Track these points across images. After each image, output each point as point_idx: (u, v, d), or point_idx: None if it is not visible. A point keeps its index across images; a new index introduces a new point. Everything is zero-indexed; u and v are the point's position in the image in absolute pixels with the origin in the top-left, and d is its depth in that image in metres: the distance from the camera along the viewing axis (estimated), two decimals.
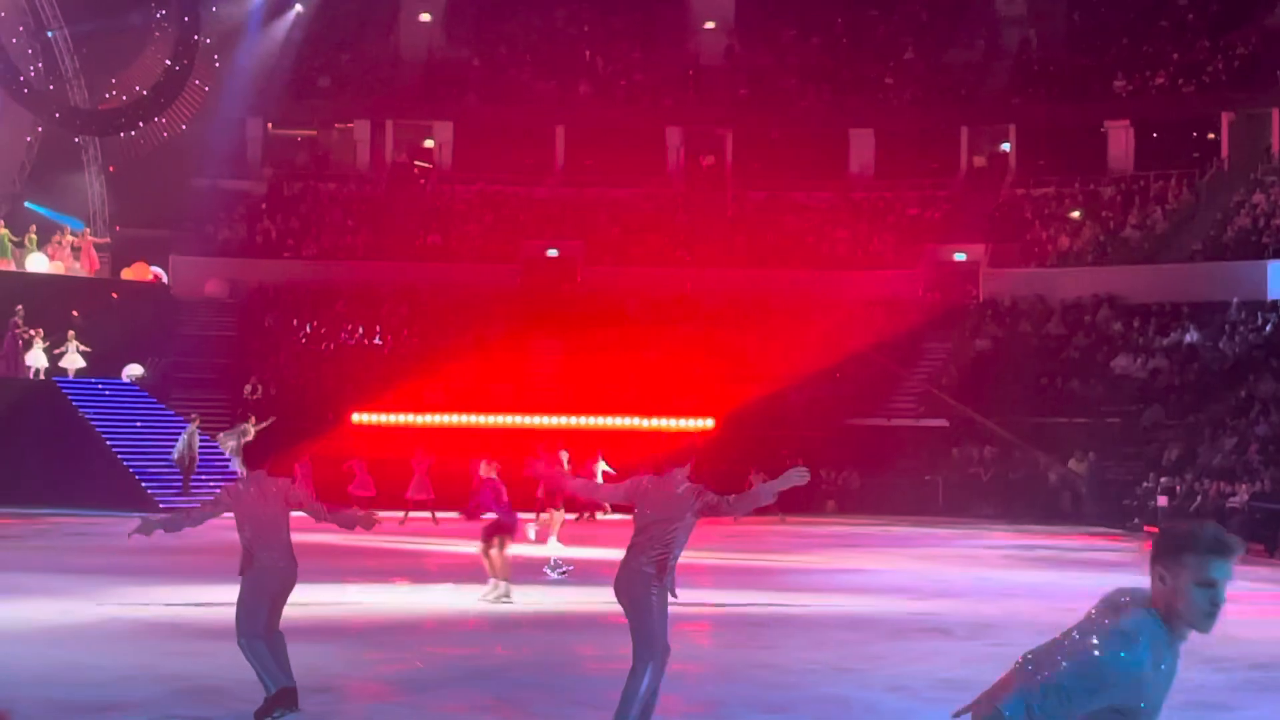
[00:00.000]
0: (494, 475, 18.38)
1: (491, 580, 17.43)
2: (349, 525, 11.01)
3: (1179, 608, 4.20)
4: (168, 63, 42.62)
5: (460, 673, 12.78)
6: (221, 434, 34.72)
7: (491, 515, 18.00)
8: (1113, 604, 4.33)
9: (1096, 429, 36.79)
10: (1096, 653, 4.16)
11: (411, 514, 31.19)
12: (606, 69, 50.18)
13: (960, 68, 49.19)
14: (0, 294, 36.66)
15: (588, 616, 16.34)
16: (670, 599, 9.29)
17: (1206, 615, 4.20)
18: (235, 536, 10.43)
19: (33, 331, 36.18)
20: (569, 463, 26.61)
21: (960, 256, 45.38)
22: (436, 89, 49.53)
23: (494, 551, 17.43)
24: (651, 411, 37.22)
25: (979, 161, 48.93)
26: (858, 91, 48.49)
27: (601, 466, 30.85)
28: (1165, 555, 4.24)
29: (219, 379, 40.23)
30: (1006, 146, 48.81)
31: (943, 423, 38.66)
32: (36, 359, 36.03)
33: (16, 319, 36.17)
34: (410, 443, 33.58)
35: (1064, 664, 4.18)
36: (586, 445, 33.98)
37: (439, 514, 30.93)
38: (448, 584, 19.77)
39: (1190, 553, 4.19)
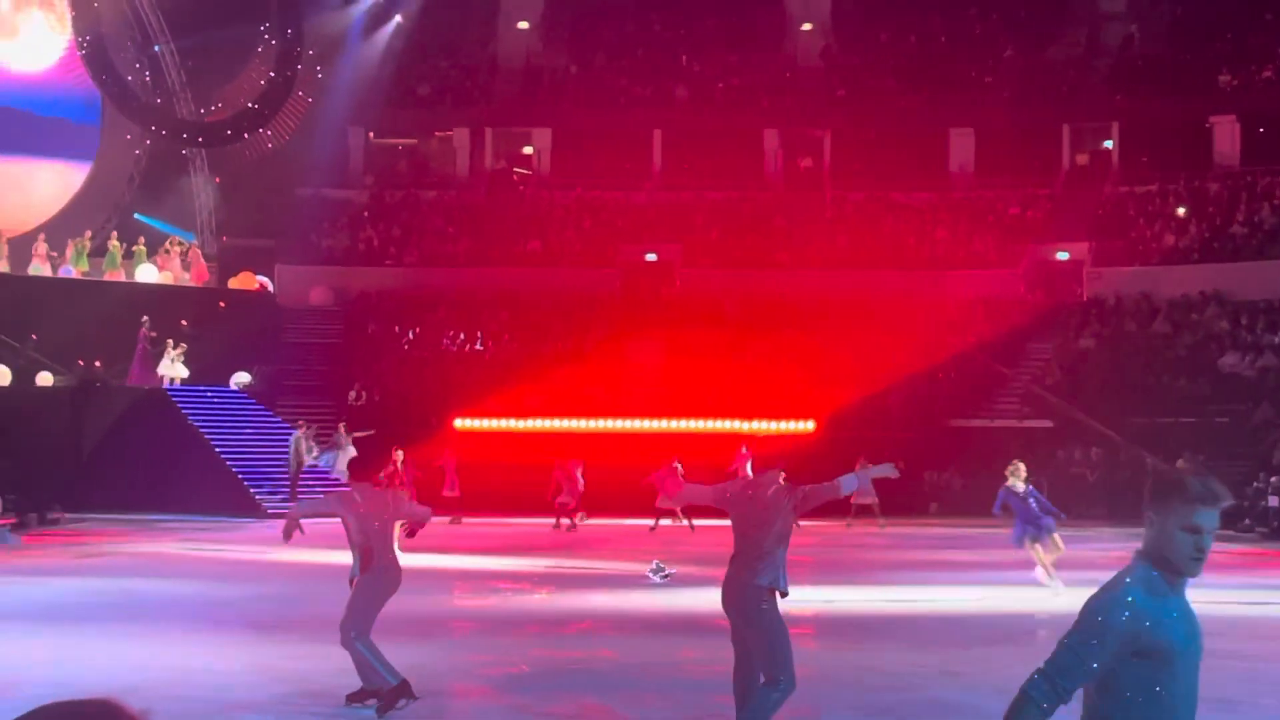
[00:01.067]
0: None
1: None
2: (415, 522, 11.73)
3: (1166, 552, 4.39)
4: (271, 74, 43.32)
5: (565, 675, 12.88)
6: (310, 440, 34.96)
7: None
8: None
9: (1204, 428, 36.20)
10: (1094, 604, 4.33)
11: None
12: (703, 73, 50.20)
13: (1061, 65, 48.64)
14: (111, 304, 37.40)
15: (690, 619, 16.39)
16: (779, 597, 9.28)
17: (1192, 559, 4.40)
18: (322, 541, 10.73)
19: (168, 341, 36.68)
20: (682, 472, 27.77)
21: (1063, 255, 44.87)
22: (534, 96, 49.86)
23: None
24: (751, 414, 37.16)
25: (1081, 159, 48.34)
26: (956, 91, 48.10)
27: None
28: (1154, 501, 4.44)
29: (324, 386, 40.76)
30: (1109, 144, 48.18)
31: (1047, 423, 38.25)
32: (171, 369, 36.60)
33: (145, 328, 36.68)
34: (548, 450, 34.04)
35: (1073, 625, 4.35)
36: (677, 450, 34.14)
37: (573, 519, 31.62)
38: (549, 587, 19.92)
39: (1178, 499, 4.40)
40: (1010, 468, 20.14)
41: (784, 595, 9.31)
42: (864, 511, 31.80)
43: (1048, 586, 19.00)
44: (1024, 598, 18.74)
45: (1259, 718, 11.20)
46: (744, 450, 30.18)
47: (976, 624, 16.17)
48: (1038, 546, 19.58)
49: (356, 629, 10.71)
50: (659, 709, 11.37)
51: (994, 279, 43.57)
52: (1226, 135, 46.05)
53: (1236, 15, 46.86)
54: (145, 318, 36.76)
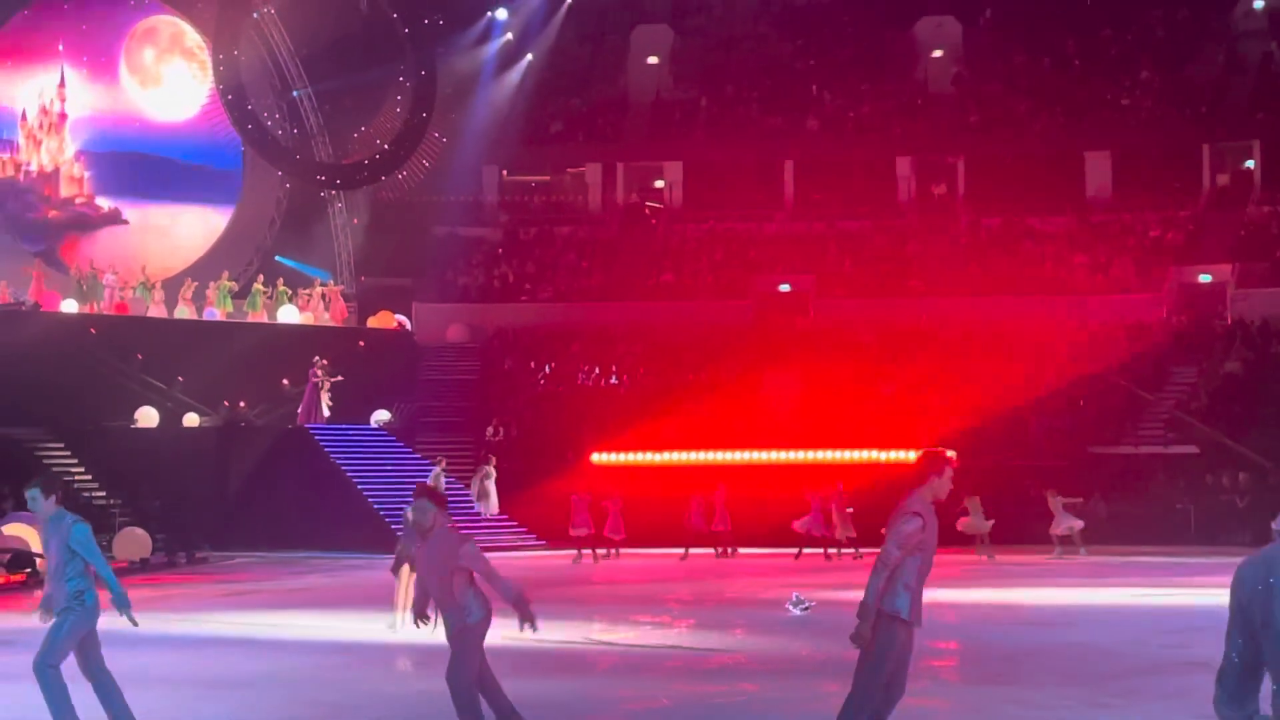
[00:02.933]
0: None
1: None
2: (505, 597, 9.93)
3: None
4: (406, 116, 44.07)
5: (706, 710, 12.86)
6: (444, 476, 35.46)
7: None
8: None
9: None
10: (1237, 574, 4.33)
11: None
12: (833, 102, 50.09)
13: (1200, 83, 47.77)
14: (253, 345, 38.15)
15: (831, 654, 16.29)
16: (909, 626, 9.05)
17: None
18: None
19: (331, 380, 37.26)
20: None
21: (1205, 278, 43.98)
22: (665, 129, 50.11)
23: None
24: (889, 444, 36.86)
25: (1222, 179, 47.39)
26: (1092, 113, 47.45)
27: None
28: None
29: (462, 422, 41.18)
30: (1251, 164, 47.19)
31: (1193, 449, 37.45)
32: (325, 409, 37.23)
33: (317, 369, 37.11)
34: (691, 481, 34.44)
35: None
36: (827, 479, 34.09)
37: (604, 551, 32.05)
38: (690, 621, 19.91)
39: None
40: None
41: (918, 626, 9.11)
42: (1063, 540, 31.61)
43: None
44: (1170, 628, 18.34)
45: None
46: (840, 487, 31.32)
47: (1123, 655, 15.85)
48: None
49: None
50: None
51: (1135, 303, 42.84)
52: None
53: None
54: (317, 357, 37.23)
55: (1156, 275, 43.96)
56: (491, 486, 35.41)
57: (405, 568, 16.50)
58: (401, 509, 34.88)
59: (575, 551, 31.94)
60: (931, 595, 9.60)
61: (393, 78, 44.85)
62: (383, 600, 22.82)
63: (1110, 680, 14.08)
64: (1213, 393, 39.46)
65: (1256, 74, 47.71)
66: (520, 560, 32.66)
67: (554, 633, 18.28)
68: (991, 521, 31.43)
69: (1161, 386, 40.16)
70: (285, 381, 38.13)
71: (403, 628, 16.54)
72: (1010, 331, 40.96)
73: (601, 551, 32.30)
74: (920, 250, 46.17)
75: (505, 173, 50.99)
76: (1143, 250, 45.18)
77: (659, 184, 50.62)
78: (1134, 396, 39.50)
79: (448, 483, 35.10)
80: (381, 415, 38.99)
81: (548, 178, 51.98)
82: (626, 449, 37.62)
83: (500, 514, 35.98)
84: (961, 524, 30.82)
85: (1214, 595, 19.89)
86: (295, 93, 44.78)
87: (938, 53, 50.59)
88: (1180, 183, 46.61)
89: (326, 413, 37.32)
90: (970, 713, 12.47)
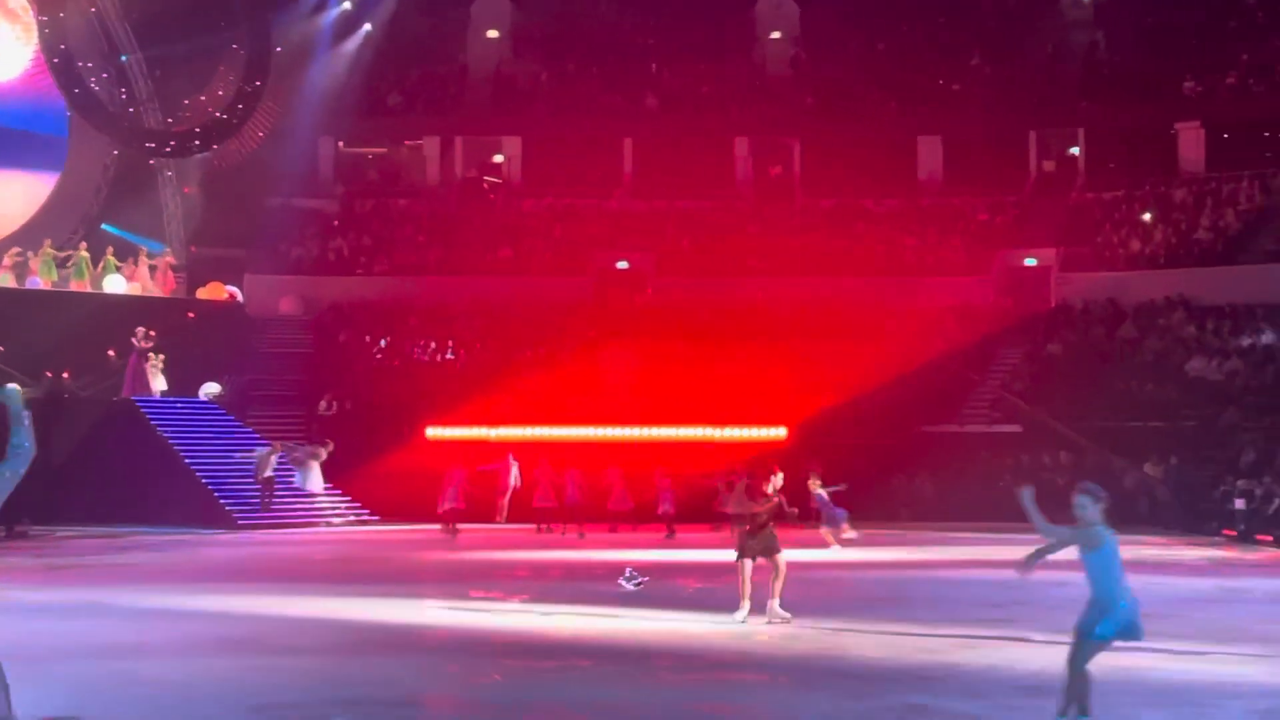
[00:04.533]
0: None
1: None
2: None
3: None
4: (240, 84, 43.21)
5: (538, 685, 12.91)
6: (295, 448, 35.15)
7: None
8: None
9: (1172, 432, 36.43)
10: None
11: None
12: (673, 81, 50.31)
13: (1028, 72, 48.91)
14: (79, 316, 37.20)
15: (662, 628, 16.45)
16: None
17: None
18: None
19: (153, 356, 36.44)
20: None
21: (1031, 262, 45.13)
22: (505, 104, 49.87)
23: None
24: (725, 421, 37.29)
25: (1048, 166, 48.63)
26: (925, 99, 48.34)
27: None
28: None
29: (295, 396, 40.69)
30: (1076, 150, 48.50)
31: (1016, 428, 38.45)
32: (155, 381, 36.43)
33: (139, 340, 36.32)
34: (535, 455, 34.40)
35: None
36: (658, 457, 34.42)
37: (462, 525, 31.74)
38: (523, 595, 19.94)
39: None
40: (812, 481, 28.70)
41: None
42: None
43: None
44: (990, 604, 18.83)
45: None
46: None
47: (941, 631, 16.23)
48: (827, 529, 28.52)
49: None
50: (633, 717, 11.41)
51: (963, 286, 43.82)
52: (1191, 141, 46.43)
53: (1201, 23, 47.25)
54: (140, 328, 36.45)
55: (984, 258, 45.00)
56: (316, 464, 34.96)
57: (749, 561, 16.34)
58: (231, 483, 34.59)
59: (449, 526, 31.70)
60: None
61: (226, 45, 43.89)
62: (212, 575, 22.53)
63: (935, 654, 14.39)
64: (1035, 374, 40.53)
65: (1082, 63, 48.99)
66: (365, 535, 32.39)
67: (384, 608, 18.18)
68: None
69: (988, 367, 41.15)
70: (111, 353, 37.27)
71: (746, 617, 16.39)
72: (844, 312, 41.61)
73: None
74: (757, 230, 46.67)
75: (341, 144, 50.36)
76: (971, 234, 46.22)
77: (498, 159, 50.41)
78: (961, 377, 40.40)
79: (279, 461, 34.70)
80: (211, 388, 38.34)
81: (385, 150, 51.47)
82: (462, 423, 37.47)
83: (333, 489, 35.68)
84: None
85: (1035, 573, 20.40)
86: (124, 57, 43.59)
87: (776, 35, 51.09)
88: (1008, 169, 47.73)
89: (163, 385, 36.59)
90: (798, 685, 12.69)
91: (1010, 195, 47.19)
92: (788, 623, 16.17)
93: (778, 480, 16.87)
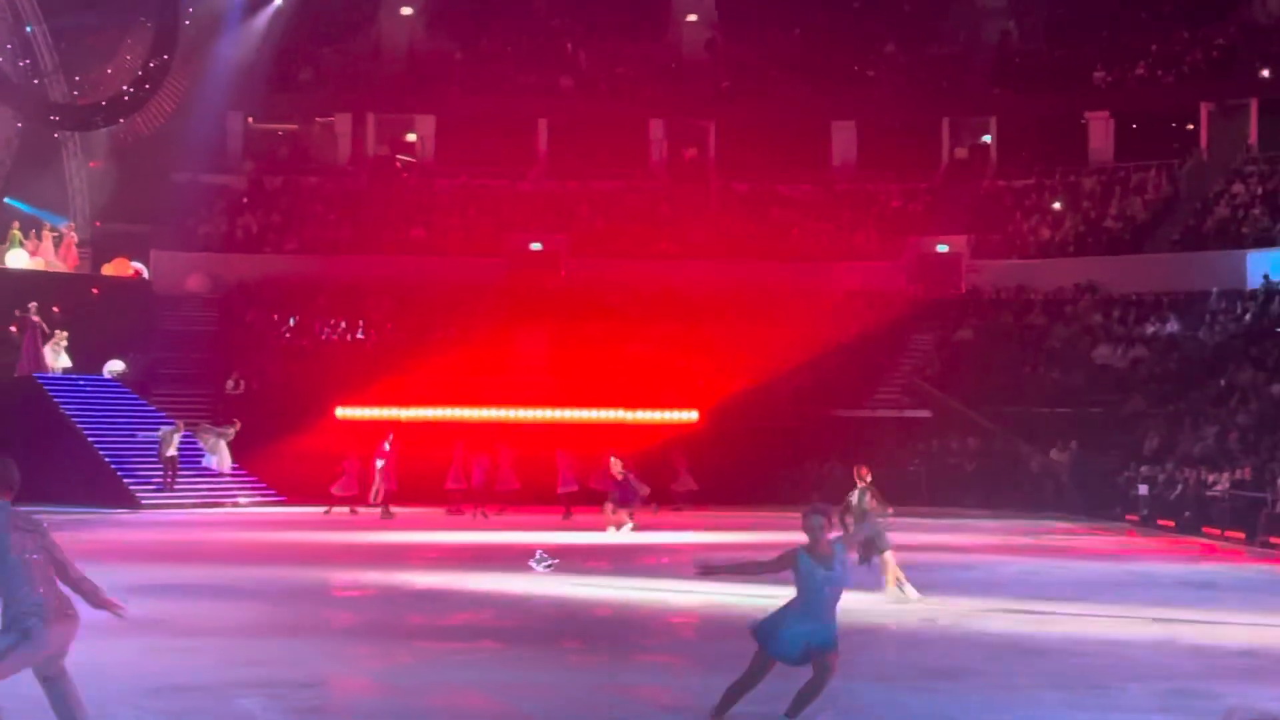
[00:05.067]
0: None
1: None
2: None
3: None
4: (147, 57, 42.49)
5: (447, 666, 12.81)
6: (202, 427, 34.79)
7: None
8: None
9: (1078, 419, 36.89)
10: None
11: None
12: (588, 61, 50.13)
13: (941, 60, 49.25)
14: None
15: (571, 610, 16.40)
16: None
17: None
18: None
19: (58, 333, 35.79)
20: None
21: (943, 248, 45.48)
22: (418, 82, 49.43)
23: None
24: (636, 404, 37.27)
25: (960, 153, 49.00)
26: (839, 84, 48.52)
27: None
28: None
29: (201, 374, 40.11)
30: (988, 138, 48.92)
31: (926, 413, 38.74)
32: (56, 359, 35.78)
33: (32, 316, 35.62)
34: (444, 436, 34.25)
35: None
36: (577, 439, 34.35)
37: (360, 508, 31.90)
38: (434, 577, 19.81)
39: None
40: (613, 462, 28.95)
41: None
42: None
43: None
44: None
45: (1126, 702, 11.43)
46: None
47: (849, 617, 16.28)
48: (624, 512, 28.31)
49: None
50: (541, 699, 11.35)
51: (876, 271, 44.06)
52: (1101, 131, 46.97)
53: (1111, 14, 47.83)
54: (32, 304, 35.80)
55: (897, 244, 45.28)
56: (224, 444, 34.57)
57: (889, 554, 17.90)
58: (134, 462, 34.09)
59: (343, 507, 31.45)
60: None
61: (134, 17, 43.17)
62: (114, 555, 22.13)
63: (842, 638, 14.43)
64: (946, 360, 40.87)
65: (995, 52, 49.41)
66: (271, 516, 32.07)
67: (291, 590, 17.97)
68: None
69: (899, 353, 41.42)
70: (12, 329, 36.58)
71: (912, 596, 17.39)
72: (757, 296, 41.70)
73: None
74: (671, 213, 46.65)
75: (251, 120, 49.67)
76: (884, 220, 46.48)
77: (411, 137, 49.97)
78: (873, 362, 40.64)
79: (184, 440, 34.27)
80: (115, 366, 37.77)
81: (295, 126, 50.84)
82: (372, 404, 37.17)
83: (240, 469, 35.30)
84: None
85: (942, 555, 20.57)
86: (29, 28, 42.75)
87: (692, 17, 51.04)
88: (921, 155, 48.01)
89: (67, 362, 35.99)
90: (703, 669, 12.68)
91: (923, 182, 47.51)
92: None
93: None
